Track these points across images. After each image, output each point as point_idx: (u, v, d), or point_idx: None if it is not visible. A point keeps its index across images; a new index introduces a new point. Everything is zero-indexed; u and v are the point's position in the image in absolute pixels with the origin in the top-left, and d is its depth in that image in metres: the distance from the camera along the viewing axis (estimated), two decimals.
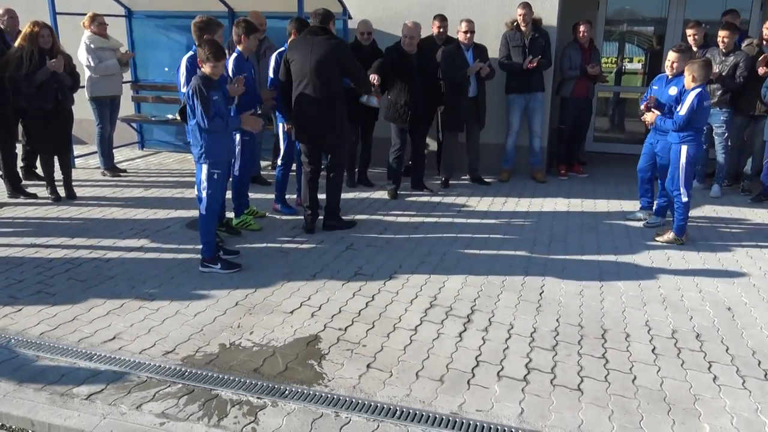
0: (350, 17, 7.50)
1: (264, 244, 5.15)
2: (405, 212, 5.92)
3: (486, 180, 7.21)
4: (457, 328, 3.75)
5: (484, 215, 6.02)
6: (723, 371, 3.30)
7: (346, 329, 3.73)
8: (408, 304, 4.07)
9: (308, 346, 3.53)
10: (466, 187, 7.03)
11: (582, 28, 7.14)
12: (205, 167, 4.45)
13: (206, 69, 4.28)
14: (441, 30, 6.87)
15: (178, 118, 4.75)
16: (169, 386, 3.12)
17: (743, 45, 6.66)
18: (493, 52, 7.03)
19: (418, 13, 7.37)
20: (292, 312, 3.94)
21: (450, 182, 7.04)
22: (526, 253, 5.01)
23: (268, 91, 5.60)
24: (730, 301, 4.16)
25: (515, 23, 6.97)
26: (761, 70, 6.34)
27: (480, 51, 6.79)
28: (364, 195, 6.59)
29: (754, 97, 6.45)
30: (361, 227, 5.58)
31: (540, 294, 4.24)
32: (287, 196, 6.01)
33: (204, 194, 4.48)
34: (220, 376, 3.21)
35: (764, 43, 6.64)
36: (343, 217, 5.62)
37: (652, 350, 3.52)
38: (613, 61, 9.51)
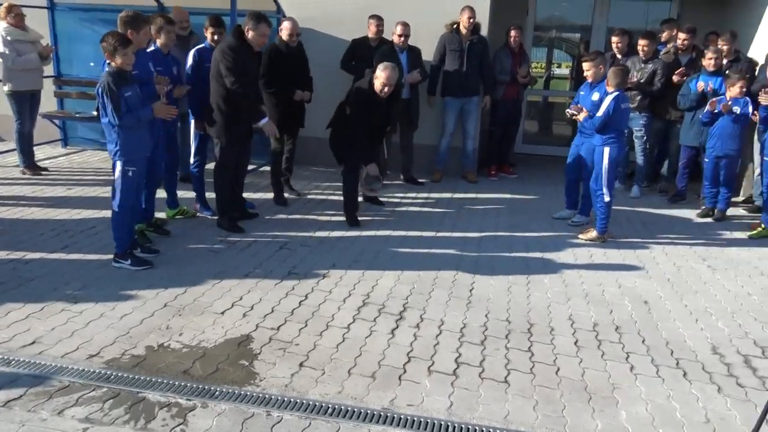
0: (284, 16, 7.44)
1: (195, 244, 5.05)
2: (338, 212, 5.93)
3: (419, 180, 7.32)
4: (390, 325, 3.80)
5: (416, 215, 6.11)
6: (639, 361, 3.49)
7: (278, 329, 3.71)
8: (341, 302, 4.09)
9: (240, 346, 3.50)
10: (400, 187, 7.11)
11: (513, 33, 7.34)
12: (119, 164, 4.36)
13: (119, 60, 4.17)
14: (379, 29, 6.88)
15: (95, 114, 4.61)
16: (94, 390, 3.02)
17: (661, 53, 7.03)
18: (427, 54, 7.13)
19: (354, 13, 7.40)
20: (223, 312, 3.89)
21: (384, 182, 7.09)
22: (457, 251, 5.13)
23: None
24: (647, 296, 4.40)
25: (455, 26, 7.08)
26: (675, 78, 6.73)
27: (414, 54, 6.89)
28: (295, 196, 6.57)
29: (671, 102, 6.82)
30: (294, 226, 5.56)
31: (470, 290, 4.35)
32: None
33: (117, 191, 4.39)
34: (148, 378, 3.13)
35: (680, 51, 7.03)
36: (239, 223, 5.46)
37: (575, 343, 3.67)
38: (542, 66, 9.83)
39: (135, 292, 4.13)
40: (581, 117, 5.56)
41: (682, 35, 7.00)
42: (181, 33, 6.28)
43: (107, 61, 4.30)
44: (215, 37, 5.50)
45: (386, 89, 5.46)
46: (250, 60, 5.13)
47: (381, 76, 5.42)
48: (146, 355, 3.37)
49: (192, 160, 5.84)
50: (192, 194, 5.91)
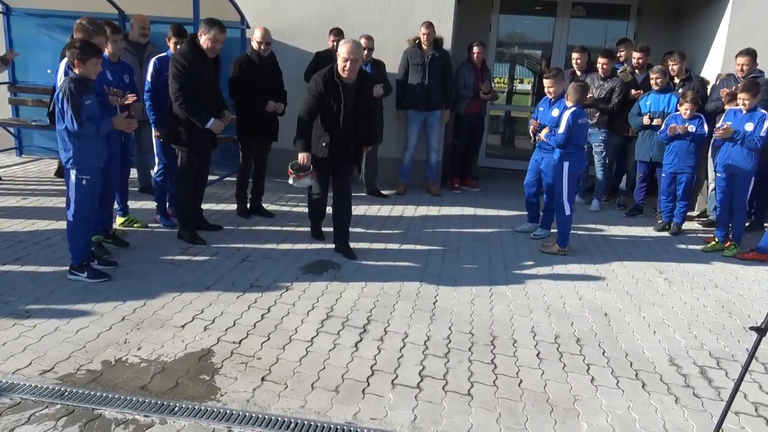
0: (248, 26, 7.40)
1: (155, 256, 4.95)
2: (302, 223, 5.89)
3: (383, 193, 7.33)
4: (354, 338, 3.78)
5: (381, 227, 6.11)
6: (600, 373, 3.54)
7: (240, 342, 3.65)
8: (304, 315, 4.06)
9: (200, 360, 3.43)
10: (364, 200, 7.11)
11: (475, 49, 7.46)
12: (73, 173, 4.27)
13: (89, 68, 4.14)
14: (336, 43, 6.90)
15: (47, 120, 4.50)
16: (47, 407, 2.92)
17: (618, 71, 7.23)
18: (391, 67, 7.17)
19: (318, 25, 7.42)
20: (183, 326, 3.81)
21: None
22: (420, 263, 5.14)
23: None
24: (607, 308, 4.48)
25: (417, 41, 7.15)
26: (633, 93, 6.94)
27: (378, 67, 6.92)
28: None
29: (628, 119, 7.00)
30: (257, 238, 5.50)
31: (434, 303, 4.36)
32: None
33: (72, 200, 4.30)
34: (104, 394, 3.04)
35: (636, 71, 7.24)
36: (200, 233, 5.38)
37: (537, 355, 3.71)
38: (505, 82, 9.99)
39: (91, 305, 4.01)
40: (543, 135, 5.66)
41: (636, 54, 7.22)
42: (141, 40, 6.21)
43: (70, 68, 4.21)
44: (178, 47, 5.43)
45: (348, 65, 4.77)
46: (203, 66, 5.02)
47: (342, 51, 4.78)
48: (103, 370, 3.27)
49: (156, 169, 5.73)
50: (150, 205, 5.80)
